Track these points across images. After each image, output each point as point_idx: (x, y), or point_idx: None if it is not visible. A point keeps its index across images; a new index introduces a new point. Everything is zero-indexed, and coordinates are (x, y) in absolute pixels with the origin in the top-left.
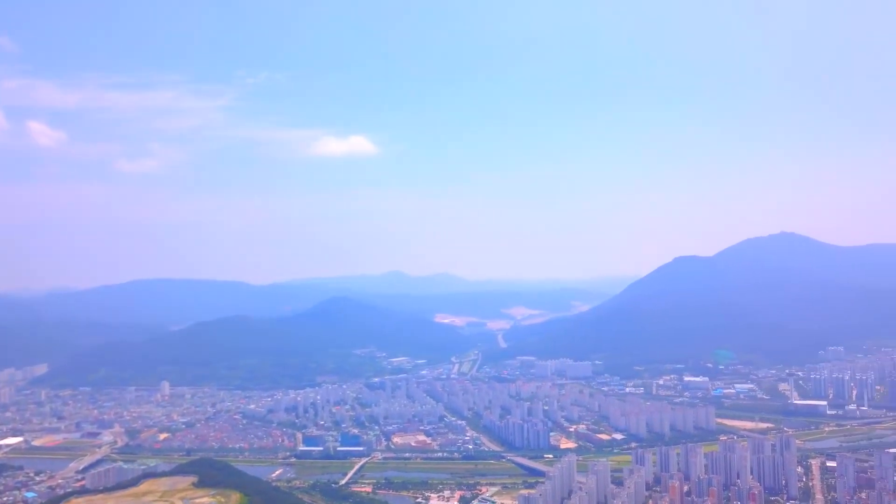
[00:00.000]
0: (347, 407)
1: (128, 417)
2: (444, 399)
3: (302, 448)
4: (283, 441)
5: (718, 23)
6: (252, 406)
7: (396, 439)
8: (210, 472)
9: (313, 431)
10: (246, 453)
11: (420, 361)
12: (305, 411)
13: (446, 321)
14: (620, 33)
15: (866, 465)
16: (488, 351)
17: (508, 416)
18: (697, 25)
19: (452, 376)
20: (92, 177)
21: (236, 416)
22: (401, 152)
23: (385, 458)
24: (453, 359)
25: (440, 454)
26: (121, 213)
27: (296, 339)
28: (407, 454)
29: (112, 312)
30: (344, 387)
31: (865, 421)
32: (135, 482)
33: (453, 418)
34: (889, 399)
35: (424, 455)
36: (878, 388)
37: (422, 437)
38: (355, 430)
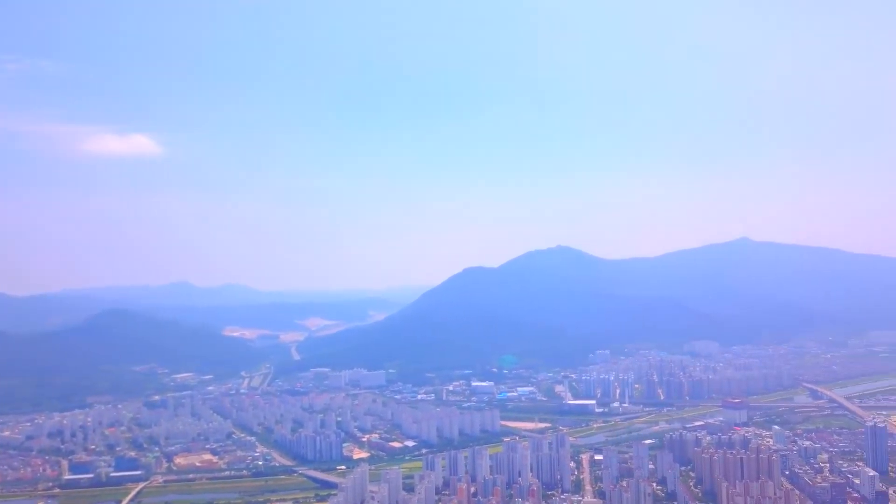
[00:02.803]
0: (123, 428)
1: None
2: (232, 415)
3: (68, 476)
4: (44, 470)
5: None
6: (6, 433)
7: (179, 460)
8: None
9: (82, 457)
10: None
11: (207, 377)
12: (73, 435)
13: (236, 334)
14: (404, 42)
15: (627, 456)
16: (281, 364)
17: (301, 430)
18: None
19: (242, 391)
20: None
21: None
22: (188, 154)
23: (166, 482)
24: (243, 373)
25: (227, 473)
26: None
27: (63, 357)
28: (191, 475)
29: None
30: (120, 407)
31: (626, 416)
32: None
33: (242, 435)
34: (645, 396)
35: (210, 475)
36: (636, 386)
37: (207, 457)
38: (132, 453)
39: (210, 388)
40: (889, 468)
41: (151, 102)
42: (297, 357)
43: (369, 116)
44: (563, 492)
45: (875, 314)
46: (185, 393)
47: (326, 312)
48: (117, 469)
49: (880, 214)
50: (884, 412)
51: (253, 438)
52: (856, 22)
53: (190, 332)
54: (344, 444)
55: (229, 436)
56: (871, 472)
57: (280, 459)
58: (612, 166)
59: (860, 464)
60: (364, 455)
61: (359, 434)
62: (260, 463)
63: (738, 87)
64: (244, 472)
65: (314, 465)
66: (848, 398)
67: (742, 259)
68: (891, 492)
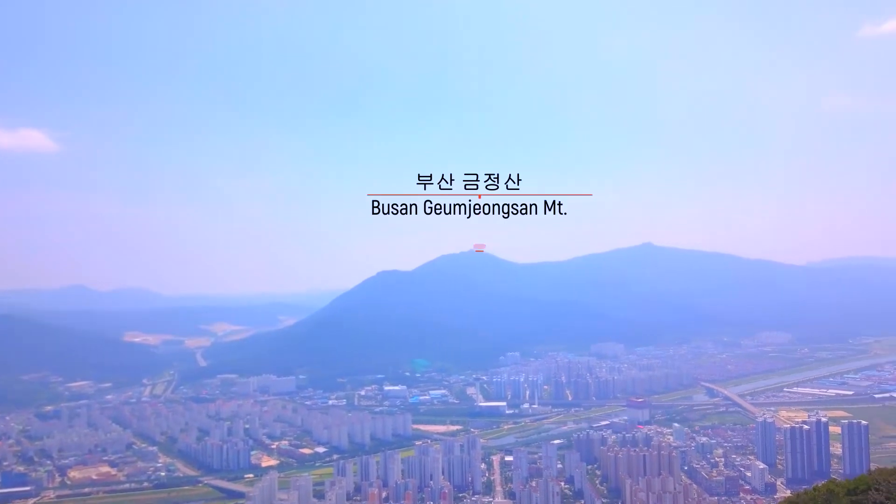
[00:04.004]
0: (11, 441)
1: None
2: (132, 425)
3: None
4: None
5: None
6: None
7: (74, 474)
8: None
9: None
10: None
11: (105, 385)
12: None
13: (138, 340)
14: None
15: (536, 456)
16: (186, 370)
17: (206, 438)
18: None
19: (144, 399)
20: None
21: None
22: (85, 152)
23: (59, 497)
24: (145, 380)
25: (127, 485)
26: None
27: None
28: (87, 489)
29: None
30: (7, 418)
31: (536, 417)
32: None
33: (144, 445)
34: (554, 397)
35: (108, 488)
36: (545, 387)
37: (105, 469)
38: (21, 468)
39: (109, 396)
40: (777, 461)
41: (44, 97)
42: (203, 363)
43: (274, 116)
44: (474, 493)
45: (766, 316)
46: (80, 402)
47: (234, 317)
48: (4, 485)
49: (772, 223)
50: (772, 408)
51: (155, 448)
52: (733, 35)
53: (87, 337)
54: (252, 452)
55: (129, 446)
56: (761, 466)
57: (184, 470)
58: (523, 173)
59: (752, 457)
60: (273, 463)
61: (268, 441)
62: (162, 474)
63: (645, 99)
64: (145, 483)
65: (221, 475)
66: (741, 395)
67: (645, 263)
68: (778, 483)
